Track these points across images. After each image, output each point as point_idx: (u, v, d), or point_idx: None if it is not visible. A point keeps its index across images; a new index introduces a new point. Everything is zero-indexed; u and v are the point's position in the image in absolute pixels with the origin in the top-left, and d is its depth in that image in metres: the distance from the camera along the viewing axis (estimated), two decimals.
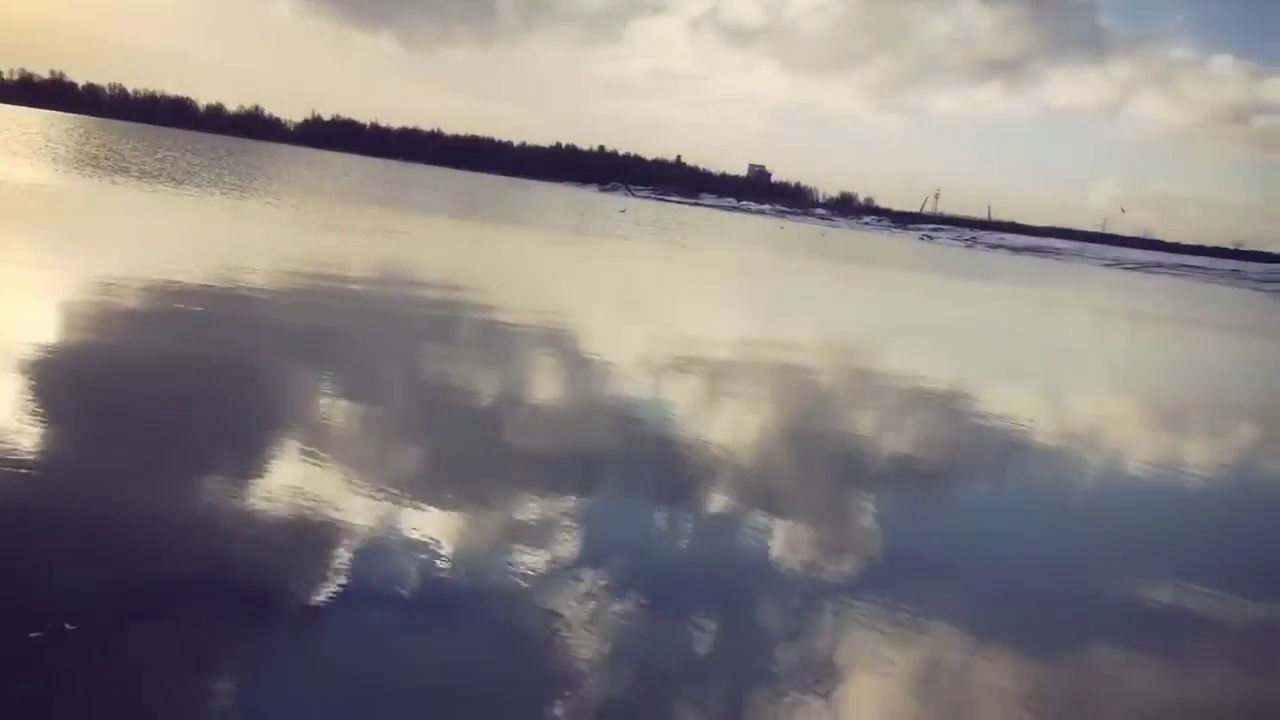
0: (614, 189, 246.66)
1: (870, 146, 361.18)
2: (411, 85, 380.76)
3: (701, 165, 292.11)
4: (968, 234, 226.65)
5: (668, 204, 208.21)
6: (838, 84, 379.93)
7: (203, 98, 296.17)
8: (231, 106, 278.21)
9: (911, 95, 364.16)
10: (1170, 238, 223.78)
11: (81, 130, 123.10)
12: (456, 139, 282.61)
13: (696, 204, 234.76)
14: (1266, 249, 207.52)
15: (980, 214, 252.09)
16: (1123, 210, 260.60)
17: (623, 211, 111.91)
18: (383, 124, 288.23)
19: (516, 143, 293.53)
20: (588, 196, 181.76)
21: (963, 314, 43.70)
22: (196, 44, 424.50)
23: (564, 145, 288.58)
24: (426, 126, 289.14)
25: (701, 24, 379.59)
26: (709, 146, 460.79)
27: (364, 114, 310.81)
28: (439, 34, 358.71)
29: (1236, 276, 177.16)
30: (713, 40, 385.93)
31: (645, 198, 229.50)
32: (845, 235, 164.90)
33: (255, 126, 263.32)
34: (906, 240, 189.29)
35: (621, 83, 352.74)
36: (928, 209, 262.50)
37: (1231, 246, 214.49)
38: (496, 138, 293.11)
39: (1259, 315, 77.34)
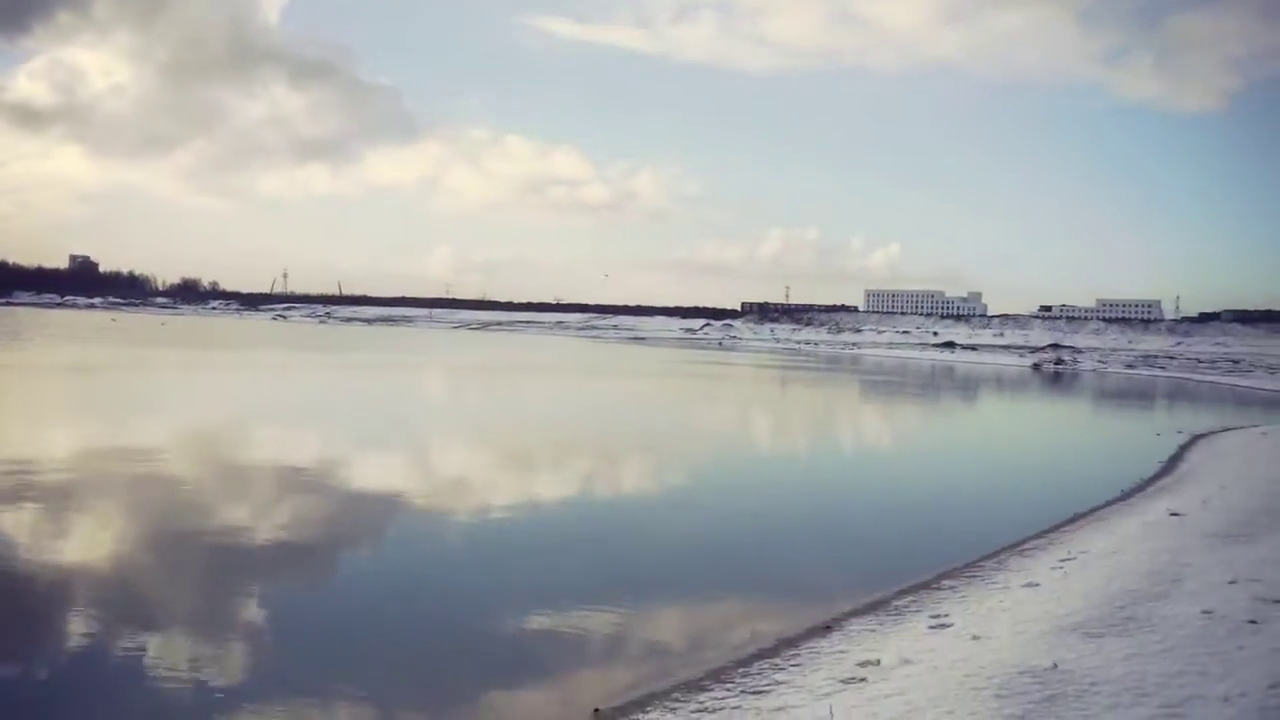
0: None
1: (205, 231, 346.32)
2: None
3: (10, 260, 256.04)
4: (320, 310, 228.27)
5: None
6: (153, 168, 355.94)
7: None
8: None
9: (234, 178, 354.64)
10: (503, 297, 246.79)
11: None
12: None
13: (9, 303, 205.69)
14: (578, 300, 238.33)
15: (331, 290, 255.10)
16: (605, 275, 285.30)
17: None
18: None
19: None
20: None
21: (326, 386, 43.86)
22: None
23: None
24: None
25: None
26: (17, 238, 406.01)
27: None
28: None
29: (561, 326, 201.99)
30: None
31: None
32: (191, 322, 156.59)
33: None
34: (259, 321, 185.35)
35: None
36: (278, 289, 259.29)
37: (553, 301, 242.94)
38: None
39: (579, 354, 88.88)
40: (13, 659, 8.50)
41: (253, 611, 10.11)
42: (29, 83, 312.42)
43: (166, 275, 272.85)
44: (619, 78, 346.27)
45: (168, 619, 9.64)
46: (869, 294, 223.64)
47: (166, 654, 8.63)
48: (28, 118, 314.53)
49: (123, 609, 9.81)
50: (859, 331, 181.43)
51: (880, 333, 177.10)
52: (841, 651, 9.05)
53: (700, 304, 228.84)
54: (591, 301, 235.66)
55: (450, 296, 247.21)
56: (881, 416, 40.98)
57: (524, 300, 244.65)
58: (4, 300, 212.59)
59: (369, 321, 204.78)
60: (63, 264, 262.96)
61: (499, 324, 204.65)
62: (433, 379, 53.11)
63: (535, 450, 23.65)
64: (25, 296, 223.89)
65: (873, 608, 10.78)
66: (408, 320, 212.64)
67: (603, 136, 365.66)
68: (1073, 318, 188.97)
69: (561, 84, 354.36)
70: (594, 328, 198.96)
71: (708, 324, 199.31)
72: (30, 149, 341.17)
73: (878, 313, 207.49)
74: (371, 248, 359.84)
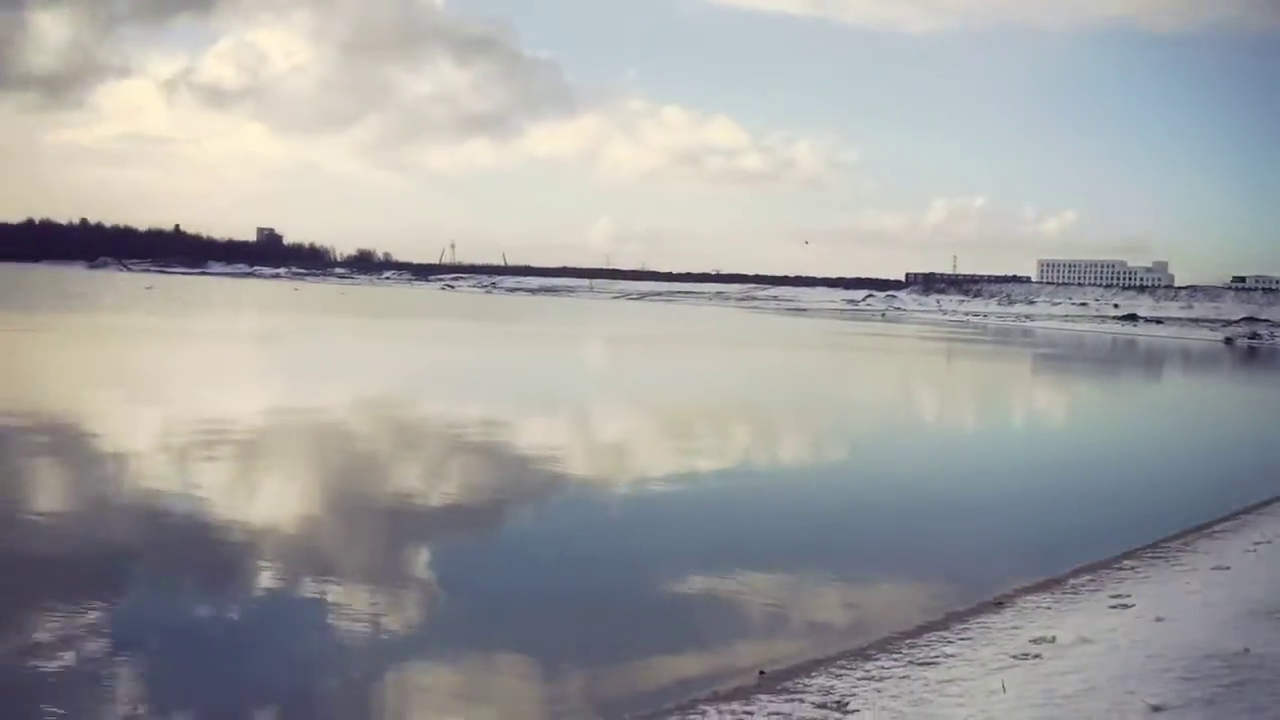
0: (104, 264, 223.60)
1: (378, 203, 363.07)
2: None
3: (205, 233, 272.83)
4: (486, 280, 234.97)
5: (174, 276, 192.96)
6: (331, 143, 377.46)
7: None
8: None
9: (405, 152, 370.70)
10: (662, 268, 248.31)
11: None
12: None
13: (205, 273, 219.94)
14: (737, 270, 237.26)
15: (496, 260, 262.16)
16: (806, 242, 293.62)
17: (149, 288, 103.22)
18: None
19: None
20: (81, 275, 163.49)
21: (502, 355, 45.29)
22: None
23: (37, 221, 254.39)
24: None
25: (176, 86, 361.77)
26: (210, 213, 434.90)
27: None
28: None
29: (720, 297, 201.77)
30: (191, 102, 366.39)
31: (143, 271, 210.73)
32: (366, 291, 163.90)
33: None
34: (429, 291, 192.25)
35: (94, 150, 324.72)
36: (446, 260, 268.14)
37: (712, 271, 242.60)
38: None
39: (738, 325, 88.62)
40: (201, 604, 9.17)
41: (426, 568, 10.58)
42: (217, 64, 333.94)
43: (344, 247, 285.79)
44: (776, 45, 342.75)
45: (339, 572, 10.15)
46: (1042, 264, 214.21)
47: (339, 605, 9.10)
48: (217, 97, 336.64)
49: (298, 559, 10.42)
50: (1032, 303, 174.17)
51: (1055, 304, 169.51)
52: (1014, 628, 8.84)
53: (862, 274, 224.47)
54: (750, 271, 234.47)
55: (610, 267, 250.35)
56: (1058, 392, 39.37)
57: (683, 270, 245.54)
58: (200, 270, 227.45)
59: (532, 292, 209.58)
60: (251, 236, 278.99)
61: (658, 294, 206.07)
62: (595, 348, 54.07)
63: (699, 420, 23.83)
64: (218, 267, 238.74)
65: (1048, 586, 10.46)
66: (569, 290, 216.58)
67: (759, 105, 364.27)
68: (1270, 289, 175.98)
69: (718, 53, 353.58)
70: (753, 299, 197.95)
71: (870, 295, 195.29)
72: (221, 127, 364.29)
73: (1052, 284, 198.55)
74: (534, 219, 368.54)
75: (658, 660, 8.36)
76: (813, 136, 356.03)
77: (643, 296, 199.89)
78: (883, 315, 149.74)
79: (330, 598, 9.18)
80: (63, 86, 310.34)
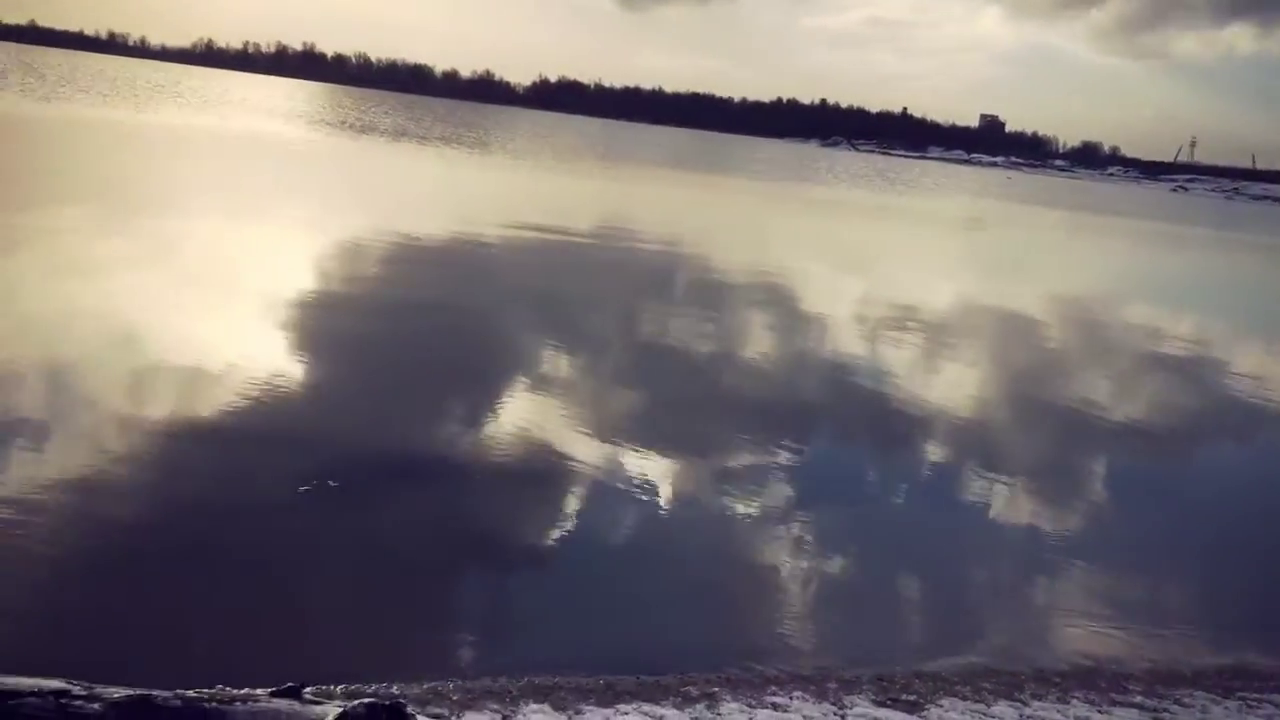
0: (836, 143, 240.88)
1: (1110, 93, 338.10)
2: (630, 44, 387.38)
3: (928, 116, 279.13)
4: (1228, 185, 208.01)
5: (894, 158, 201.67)
6: (1067, 27, 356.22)
7: (438, 64, 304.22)
8: (465, 72, 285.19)
9: (1150, 37, 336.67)
10: None
11: (346, 97, 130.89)
12: (678, 97, 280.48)
13: (924, 157, 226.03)
14: None
15: (1243, 163, 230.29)
16: None
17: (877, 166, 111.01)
18: (605, 84, 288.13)
19: (736, 99, 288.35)
20: (817, 152, 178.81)
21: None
22: (429, 12, 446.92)
23: (785, 100, 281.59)
24: (647, 85, 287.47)
25: None
26: (935, 97, 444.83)
27: (586, 74, 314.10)
28: None
29: None
30: None
31: (869, 152, 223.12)
32: (1083, 186, 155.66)
33: (487, 90, 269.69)
34: (1154, 191, 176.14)
35: (838, 34, 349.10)
36: (1182, 159, 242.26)
37: None
38: (716, 94, 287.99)
39: None
40: (860, 467, 9.77)
41: (1092, 479, 10.14)
42: None
43: (1067, 138, 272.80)
44: None
45: (1003, 464, 10.11)
46: None
47: (1000, 497, 9.15)
48: None
49: (962, 444, 10.59)
50: None
51: None
52: None
53: None
54: None
55: None
56: None
57: None
58: (918, 154, 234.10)
59: None
60: (972, 122, 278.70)
61: None
62: None
63: None
64: (936, 151, 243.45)
65: None
66: None
67: None
68: None
69: None
70: None
71: None
72: (958, 11, 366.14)
73: None
74: None
75: None
76: None
77: None
78: None
79: (996, 488, 9.29)
80: None
